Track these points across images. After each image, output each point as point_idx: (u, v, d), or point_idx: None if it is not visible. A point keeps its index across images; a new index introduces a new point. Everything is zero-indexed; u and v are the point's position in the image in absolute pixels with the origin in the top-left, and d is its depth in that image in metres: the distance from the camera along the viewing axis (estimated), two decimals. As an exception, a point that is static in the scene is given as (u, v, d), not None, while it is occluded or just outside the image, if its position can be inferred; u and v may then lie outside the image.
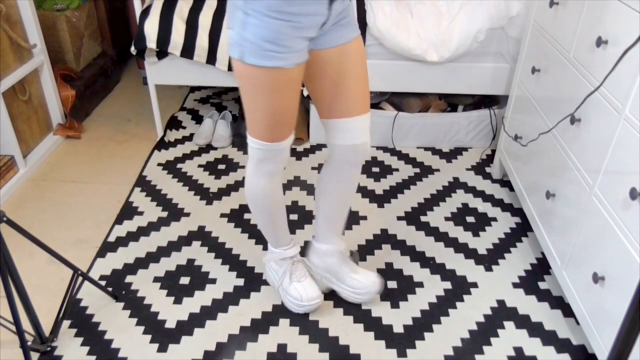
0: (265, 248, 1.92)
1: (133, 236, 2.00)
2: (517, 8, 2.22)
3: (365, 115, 1.42)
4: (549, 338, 1.62)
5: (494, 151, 2.54)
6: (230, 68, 2.33)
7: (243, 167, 2.42)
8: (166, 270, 1.85)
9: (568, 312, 1.71)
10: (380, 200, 2.21)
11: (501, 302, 1.74)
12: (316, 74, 1.37)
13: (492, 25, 2.23)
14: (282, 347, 1.58)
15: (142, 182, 2.31)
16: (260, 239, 1.99)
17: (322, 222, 1.64)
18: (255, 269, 1.85)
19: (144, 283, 1.79)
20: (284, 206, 1.59)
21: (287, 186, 2.29)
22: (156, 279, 1.81)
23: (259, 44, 1.18)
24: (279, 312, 1.69)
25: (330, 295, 1.74)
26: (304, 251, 1.79)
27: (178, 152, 2.53)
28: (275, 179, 1.48)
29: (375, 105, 2.55)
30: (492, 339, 1.61)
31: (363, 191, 2.27)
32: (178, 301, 1.73)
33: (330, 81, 1.37)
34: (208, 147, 2.57)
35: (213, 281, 1.80)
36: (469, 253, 1.94)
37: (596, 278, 1.40)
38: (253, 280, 1.81)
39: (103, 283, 1.79)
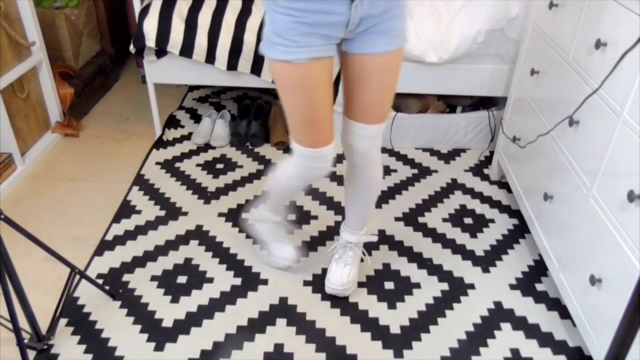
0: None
1: (131, 235, 2.00)
2: (516, 9, 2.22)
3: (366, 125, 1.44)
4: (545, 340, 1.62)
5: (492, 153, 2.54)
6: (228, 67, 2.33)
7: (241, 166, 2.42)
8: (163, 269, 1.85)
9: (565, 314, 1.71)
10: (378, 200, 2.21)
11: (498, 304, 1.74)
12: (343, 73, 1.43)
13: (492, 26, 2.24)
14: (278, 346, 1.58)
15: (140, 181, 2.31)
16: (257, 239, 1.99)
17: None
18: (252, 269, 1.85)
19: (141, 282, 1.79)
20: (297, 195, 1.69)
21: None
22: (153, 278, 1.81)
23: (270, 38, 1.25)
24: (276, 311, 1.69)
25: (328, 296, 1.74)
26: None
27: (176, 151, 2.53)
28: (307, 183, 1.56)
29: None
30: (489, 340, 1.62)
31: (361, 191, 2.27)
32: (175, 300, 1.72)
33: (348, 83, 1.41)
34: (206, 147, 2.57)
35: (210, 280, 1.80)
36: (467, 254, 1.94)
37: (593, 280, 1.40)
38: (250, 280, 1.81)
39: (100, 281, 1.78)
